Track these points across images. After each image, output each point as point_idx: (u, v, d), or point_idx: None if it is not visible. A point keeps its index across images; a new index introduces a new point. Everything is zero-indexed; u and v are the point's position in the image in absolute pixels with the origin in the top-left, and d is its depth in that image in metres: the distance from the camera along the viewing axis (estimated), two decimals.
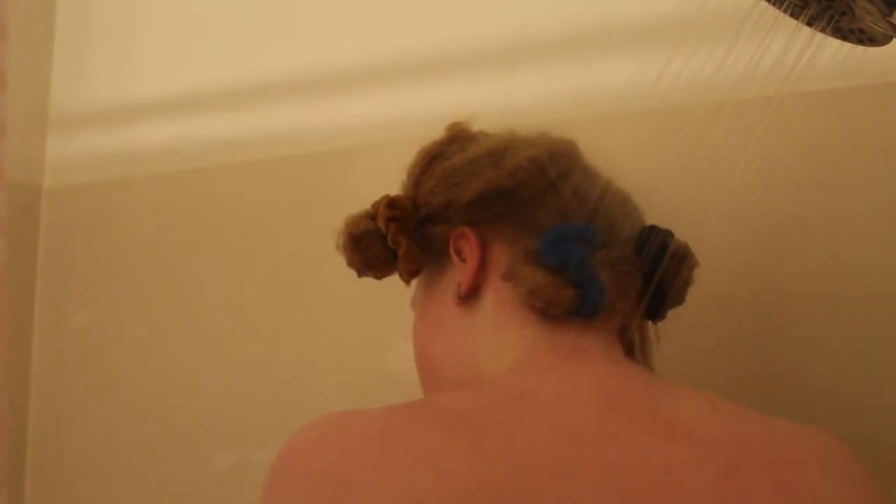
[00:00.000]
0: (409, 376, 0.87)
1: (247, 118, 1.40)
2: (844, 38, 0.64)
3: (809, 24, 0.63)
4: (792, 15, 0.63)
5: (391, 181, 1.06)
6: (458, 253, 0.78)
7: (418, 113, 1.22)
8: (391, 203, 0.80)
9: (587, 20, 1.10)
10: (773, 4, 0.63)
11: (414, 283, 0.85)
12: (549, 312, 0.73)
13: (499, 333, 0.75)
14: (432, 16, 1.24)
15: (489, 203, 0.77)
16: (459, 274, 0.78)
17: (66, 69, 1.65)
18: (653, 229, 0.78)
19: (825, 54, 0.63)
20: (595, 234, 0.74)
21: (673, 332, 0.84)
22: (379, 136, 1.26)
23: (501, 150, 0.78)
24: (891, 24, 0.58)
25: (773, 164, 0.89)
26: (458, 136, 0.83)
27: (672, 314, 0.81)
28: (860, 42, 0.64)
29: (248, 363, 1.34)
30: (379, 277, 0.84)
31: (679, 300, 0.81)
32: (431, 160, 0.82)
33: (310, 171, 1.33)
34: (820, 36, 0.64)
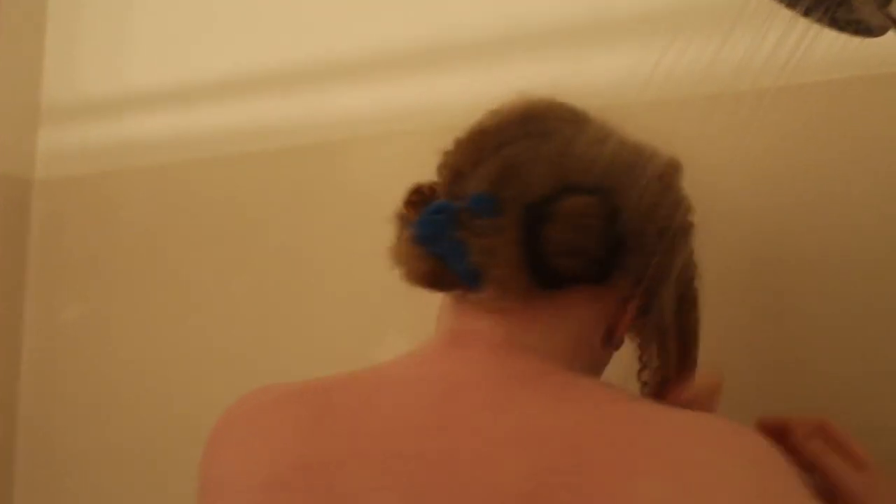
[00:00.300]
0: None
1: (239, 110, 1.40)
2: (841, 29, 0.64)
3: (806, 14, 0.63)
4: (788, 5, 0.63)
5: (385, 172, 1.06)
6: None
7: (412, 105, 1.22)
8: None
9: (581, 12, 1.10)
10: None
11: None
12: (433, 287, 0.73)
13: (439, 321, 0.77)
14: (426, 8, 1.24)
15: None
16: None
17: (58, 61, 1.64)
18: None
19: (821, 45, 0.63)
20: (453, 208, 0.71)
21: None
22: (373, 128, 1.25)
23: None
24: (887, 15, 0.58)
25: (770, 155, 0.89)
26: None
27: None
28: (856, 33, 0.64)
29: (239, 356, 1.34)
30: None
31: (561, 264, 0.70)
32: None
33: (303, 162, 1.33)
34: (816, 27, 0.63)
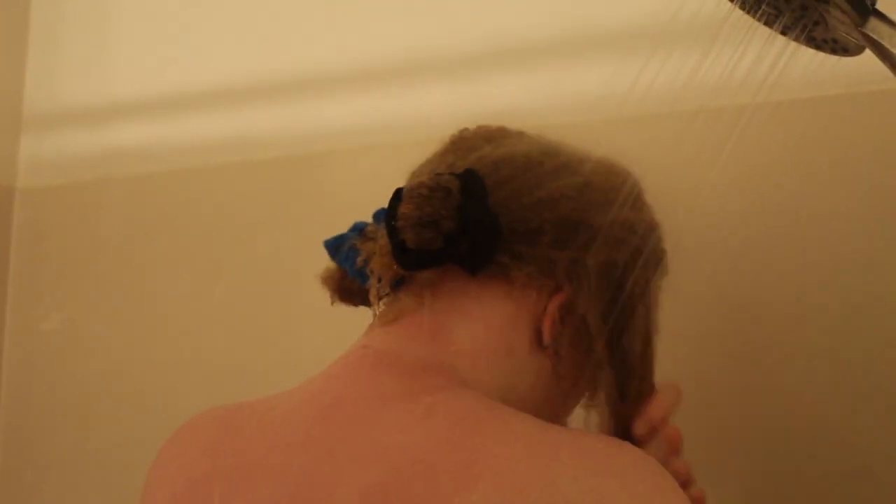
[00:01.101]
0: None
1: (220, 121, 1.40)
2: (818, 47, 0.65)
3: (784, 32, 0.64)
4: (766, 23, 0.64)
5: (366, 185, 1.05)
6: None
7: (391, 118, 1.22)
8: None
9: (563, 26, 1.10)
10: (748, 13, 0.63)
11: None
12: (341, 299, 0.78)
13: None
14: (410, 21, 1.24)
15: None
16: None
17: (40, 70, 1.64)
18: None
19: (799, 63, 0.63)
20: (363, 224, 0.75)
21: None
22: (352, 141, 1.26)
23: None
24: (863, 34, 0.58)
25: (747, 172, 0.90)
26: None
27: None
28: (833, 52, 0.64)
29: (219, 366, 1.34)
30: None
31: (409, 237, 0.69)
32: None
33: (283, 174, 1.33)
34: (794, 45, 0.64)
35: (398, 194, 0.70)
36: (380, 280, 0.72)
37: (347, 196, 1.23)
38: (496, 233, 0.70)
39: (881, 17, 0.58)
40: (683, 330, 0.97)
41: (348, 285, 0.76)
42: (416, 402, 0.64)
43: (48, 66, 1.63)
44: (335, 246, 0.75)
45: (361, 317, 1.06)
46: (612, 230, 0.72)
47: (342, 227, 1.19)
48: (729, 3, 0.63)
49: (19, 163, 1.63)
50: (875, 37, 0.57)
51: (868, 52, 0.60)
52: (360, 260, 0.72)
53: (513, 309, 0.72)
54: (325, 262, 1.26)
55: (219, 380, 1.33)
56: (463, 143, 0.78)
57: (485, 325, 0.71)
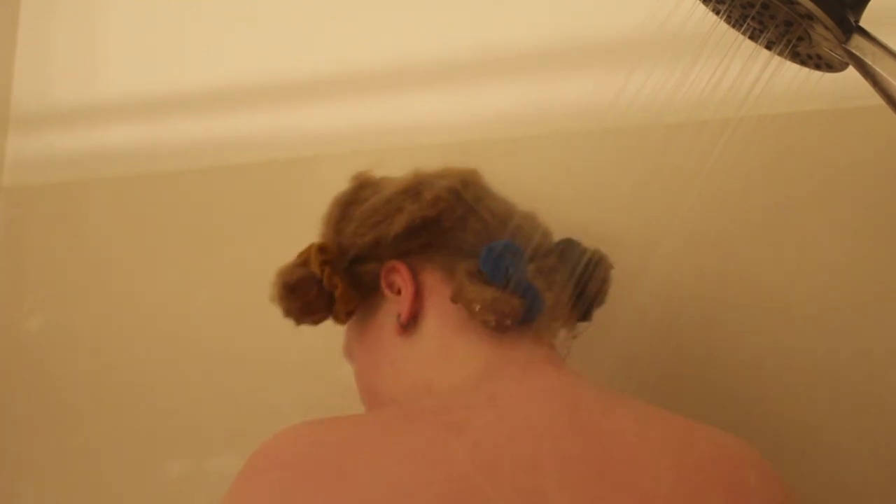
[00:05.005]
0: None
1: (208, 124, 1.40)
2: (802, 63, 0.65)
3: (768, 47, 0.64)
4: (751, 38, 0.64)
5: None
6: (391, 286, 0.84)
7: (379, 124, 1.22)
8: (322, 248, 0.86)
9: (549, 37, 1.11)
10: (733, 27, 0.64)
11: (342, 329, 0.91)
12: (501, 324, 0.77)
13: (449, 353, 0.79)
14: (397, 30, 1.24)
15: (415, 234, 0.82)
16: (394, 306, 0.83)
17: (29, 68, 1.63)
18: (570, 240, 0.85)
19: (783, 78, 0.64)
20: (521, 249, 0.79)
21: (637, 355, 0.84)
22: (340, 146, 1.26)
23: (416, 185, 0.84)
24: (847, 51, 0.58)
25: (729, 185, 0.90)
26: (365, 183, 0.89)
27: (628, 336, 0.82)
28: (817, 67, 0.65)
29: (202, 370, 1.33)
30: (317, 322, 0.88)
31: (602, 300, 0.86)
32: (347, 206, 0.88)
33: (270, 178, 1.32)
34: (778, 60, 0.64)
35: (591, 255, 0.84)
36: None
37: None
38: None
39: (865, 34, 0.58)
40: (665, 339, 0.97)
41: (511, 309, 0.78)
42: (624, 399, 0.75)
43: (36, 66, 1.63)
44: (505, 273, 0.78)
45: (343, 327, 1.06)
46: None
47: None
48: (714, 17, 0.64)
49: (5, 161, 1.62)
50: (858, 54, 0.58)
51: (852, 69, 0.60)
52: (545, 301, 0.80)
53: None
54: None
55: (201, 384, 1.33)
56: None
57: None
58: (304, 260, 0.87)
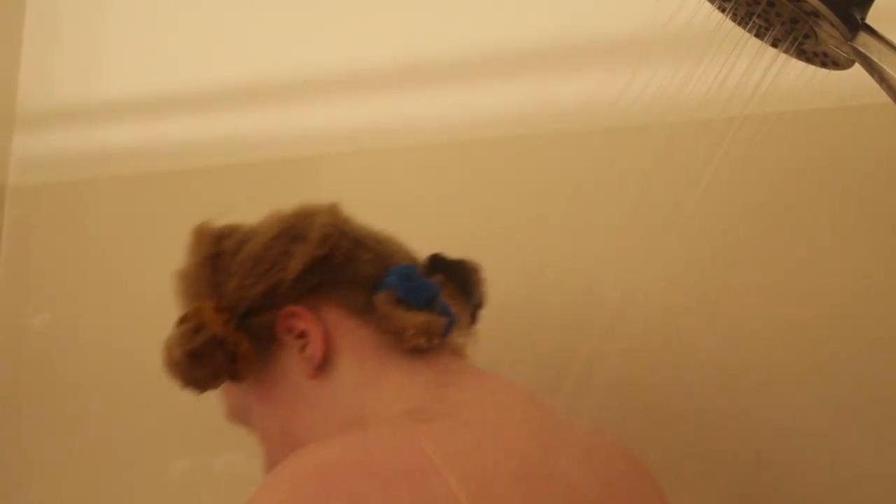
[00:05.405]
0: None
1: (212, 123, 1.40)
2: (808, 60, 0.65)
3: (774, 45, 0.64)
4: (756, 35, 0.64)
5: (356, 189, 1.05)
6: (290, 331, 0.82)
7: (382, 123, 1.22)
8: (218, 307, 0.82)
9: (553, 35, 1.11)
10: (738, 24, 0.63)
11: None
12: (431, 345, 0.79)
13: (379, 381, 0.80)
14: (399, 28, 1.24)
15: (310, 275, 0.82)
16: (295, 351, 0.82)
17: (34, 69, 1.63)
18: (440, 255, 0.88)
19: (789, 76, 0.64)
20: (417, 270, 0.83)
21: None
22: (343, 145, 1.26)
23: (292, 226, 0.84)
24: (853, 48, 0.58)
25: (734, 183, 0.90)
26: (220, 235, 0.88)
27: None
28: (823, 65, 0.64)
29: None
30: (216, 387, 0.86)
31: (484, 303, 0.90)
32: (214, 262, 0.86)
33: (274, 177, 1.33)
34: (784, 58, 0.64)
35: (470, 265, 0.90)
36: None
37: (340, 199, 1.22)
38: None
39: (871, 31, 0.58)
40: (667, 342, 0.97)
41: (439, 327, 0.82)
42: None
43: (42, 65, 1.63)
44: (426, 295, 0.82)
45: None
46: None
47: None
48: (720, 15, 0.63)
49: (11, 160, 1.62)
50: (864, 51, 0.58)
51: (858, 66, 0.60)
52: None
53: None
54: None
55: None
56: None
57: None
58: (197, 324, 0.82)
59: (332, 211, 0.86)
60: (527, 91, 1.10)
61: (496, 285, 0.96)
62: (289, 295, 0.82)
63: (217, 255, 0.86)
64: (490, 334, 0.93)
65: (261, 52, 1.37)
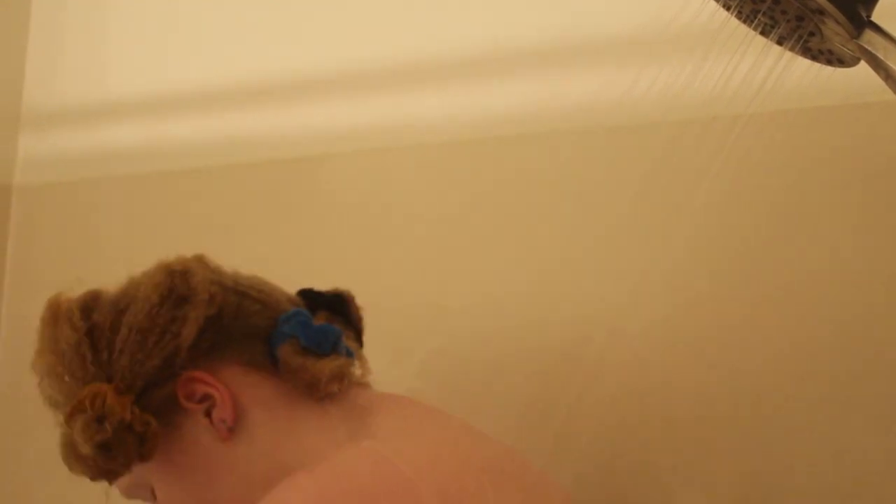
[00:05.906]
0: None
1: (218, 122, 1.40)
2: (814, 58, 0.65)
3: (779, 43, 0.64)
4: (762, 33, 0.63)
5: (361, 188, 1.05)
6: (191, 397, 0.80)
7: (386, 122, 1.22)
8: (118, 389, 0.78)
9: (558, 34, 1.10)
10: (744, 22, 0.63)
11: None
12: (342, 387, 0.80)
13: (298, 430, 0.79)
14: (403, 26, 1.24)
15: (203, 337, 0.79)
16: (199, 417, 0.79)
17: (40, 68, 1.64)
18: (312, 290, 0.89)
19: (794, 74, 0.63)
20: (308, 314, 0.82)
21: None
22: (348, 144, 1.26)
23: (170, 288, 0.81)
24: (859, 46, 0.58)
25: (740, 181, 0.90)
26: (86, 307, 0.86)
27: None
28: (829, 63, 0.64)
29: None
30: (128, 473, 0.82)
31: (363, 328, 0.91)
32: (91, 340, 0.82)
33: (279, 176, 1.33)
34: (789, 55, 0.64)
35: (347, 295, 0.92)
36: None
37: (343, 198, 1.22)
38: None
39: (877, 28, 0.58)
40: (672, 343, 0.97)
41: (350, 371, 0.85)
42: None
43: (48, 65, 1.63)
44: (330, 340, 0.83)
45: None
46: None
47: (336, 230, 1.19)
48: (725, 13, 0.63)
49: (17, 160, 1.63)
50: (870, 49, 0.57)
51: (864, 64, 0.60)
52: None
53: None
54: (318, 262, 1.27)
55: None
56: None
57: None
58: (99, 413, 0.76)
59: (205, 264, 0.84)
60: (532, 90, 1.10)
61: (500, 283, 0.96)
62: (185, 362, 0.79)
63: (90, 330, 0.82)
64: (496, 328, 0.93)
65: (262, 52, 1.37)
